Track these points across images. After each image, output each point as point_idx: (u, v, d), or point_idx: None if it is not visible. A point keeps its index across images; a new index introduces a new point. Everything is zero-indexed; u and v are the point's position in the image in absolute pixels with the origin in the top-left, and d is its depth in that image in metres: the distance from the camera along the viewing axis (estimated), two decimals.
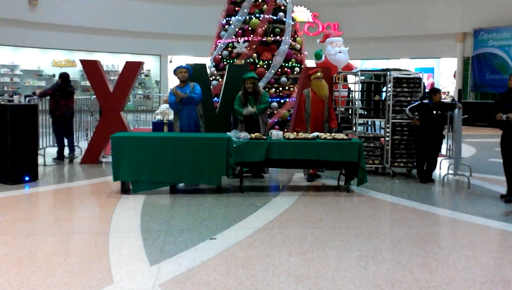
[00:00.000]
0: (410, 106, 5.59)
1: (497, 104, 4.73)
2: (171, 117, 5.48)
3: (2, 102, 6.19)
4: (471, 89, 16.00)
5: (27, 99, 6.58)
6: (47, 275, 2.57)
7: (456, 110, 5.65)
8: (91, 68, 6.43)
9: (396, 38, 17.14)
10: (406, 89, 5.95)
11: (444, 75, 18.08)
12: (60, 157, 6.54)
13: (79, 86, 17.47)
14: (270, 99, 6.04)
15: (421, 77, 6.06)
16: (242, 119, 5.28)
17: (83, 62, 6.58)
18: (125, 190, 4.58)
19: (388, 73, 6.06)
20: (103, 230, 3.41)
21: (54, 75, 17.42)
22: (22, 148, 4.98)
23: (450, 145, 6.22)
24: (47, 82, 17.27)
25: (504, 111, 4.45)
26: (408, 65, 16.34)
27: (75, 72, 17.66)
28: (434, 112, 5.40)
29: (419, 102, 5.56)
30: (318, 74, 5.39)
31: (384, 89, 6.59)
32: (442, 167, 6.48)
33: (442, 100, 5.71)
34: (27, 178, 5.02)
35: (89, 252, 2.95)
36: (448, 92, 17.82)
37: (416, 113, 5.51)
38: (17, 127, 4.94)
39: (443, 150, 6.34)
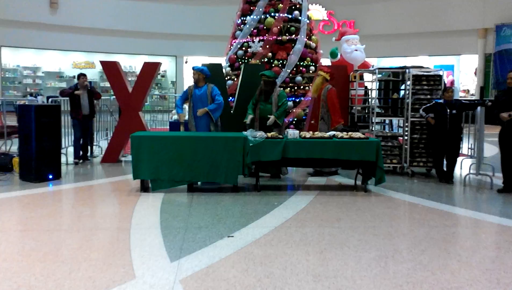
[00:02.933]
0: (424, 106, 5.53)
1: (498, 102, 4.83)
2: (187, 117, 5.61)
3: (26, 103, 6.39)
4: (493, 86, 15.51)
5: (49, 100, 6.79)
6: (72, 269, 2.65)
7: (479, 108, 5.50)
8: (111, 69, 6.58)
9: (414, 35, 16.76)
10: (426, 87, 5.84)
11: (465, 73, 17.58)
12: (85, 157, 6.65)
13: (99, 87, 17.88)
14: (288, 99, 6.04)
15: (441, 74, 5.93)
16: (247, 122, 5.31)
17: (103, 63, 6.74)
18: (144, 188, 4.67)
19: (407, 70, 5.96)
20: (125, 226, 3.49)
21: (74, 77, 17.88)
22: (46, 147, 5.16)
23: (472, 144, 6.06)
24: (67, 84, 17.75)
25: (506, 110, 4.58)
26: (427, 62, 15.96)
27: (95, 74, 18.09)
28: (448, 111, 5.28)
29: (433, 102, 5.48)
30: (318, 72, 5.57)
31: (403, 87, 6.48)
32: (464, 167, 6.32)
33: (459, 99, 5.63)
34: (50, 176, 5.19)
35: (111, 247, 3.03)
36: (468, 90, 17.31)
37: (430, 114, 5.44)
38: (41, 127, 5.11)
39: (465, 149, 6.19)
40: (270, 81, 5.30)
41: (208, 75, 5.30)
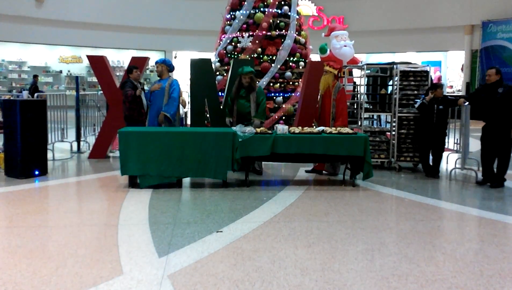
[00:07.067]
0: (417, 104, 5.61)
1: (478, 97, 5.26)
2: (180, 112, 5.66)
3: (11, 98, 6.25)
4: (479, 82, 15.78)
5: (35, 95, 6.64)
6: (59, 265, 2.62)
7: (465, 104, 5.60)
8: (98, 64, 6.48)
9: (402, 31, 16.93)
10: (413, 83, 5.92)
11: (452, 69, 17.86)
12: None
13: (86, 82, 17.58)
14: (267, 95, 6.06)
15: (428, 70, 6.01)
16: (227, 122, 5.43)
17: (90, 57, 6.62)
18: (132, 184, 4.64)
19: (394, 66, 6.02)
20: (112, 222, 3.46)
21: (61, 71, 17.54)
22: (31, 143, 5.06)
23: (457, 139, 6.17)
24: (54, 78, 17.40)
25: (485, 105, 4.95)
26: (415, 58, 16.15)
27: (82, 68, 17.79)
28: (436, 106, 5.38)
29: (423, 97, 5.56)
30: (325, 68, 5.38)
31: (391, 82, 6.55)
32: (450, 161, 6.44)
33: (445, 95, 5.73)
34: (37, 172, 5.11)
35: (99, 243, 3.00)
36: (452, 86, 17.62)
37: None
38: (26, 122, 5.01)
39: (451, 144, 6.31)
40: (253, 77, 5.26)
41: (171, 66, 5.35)
